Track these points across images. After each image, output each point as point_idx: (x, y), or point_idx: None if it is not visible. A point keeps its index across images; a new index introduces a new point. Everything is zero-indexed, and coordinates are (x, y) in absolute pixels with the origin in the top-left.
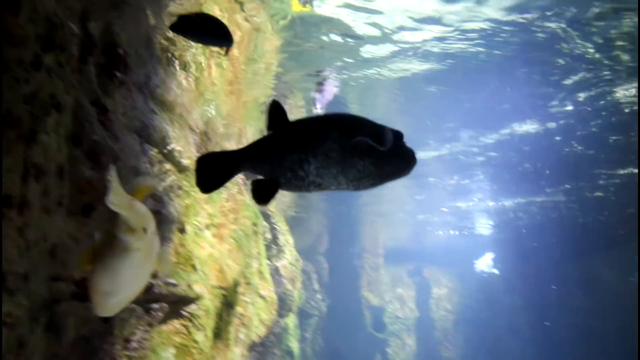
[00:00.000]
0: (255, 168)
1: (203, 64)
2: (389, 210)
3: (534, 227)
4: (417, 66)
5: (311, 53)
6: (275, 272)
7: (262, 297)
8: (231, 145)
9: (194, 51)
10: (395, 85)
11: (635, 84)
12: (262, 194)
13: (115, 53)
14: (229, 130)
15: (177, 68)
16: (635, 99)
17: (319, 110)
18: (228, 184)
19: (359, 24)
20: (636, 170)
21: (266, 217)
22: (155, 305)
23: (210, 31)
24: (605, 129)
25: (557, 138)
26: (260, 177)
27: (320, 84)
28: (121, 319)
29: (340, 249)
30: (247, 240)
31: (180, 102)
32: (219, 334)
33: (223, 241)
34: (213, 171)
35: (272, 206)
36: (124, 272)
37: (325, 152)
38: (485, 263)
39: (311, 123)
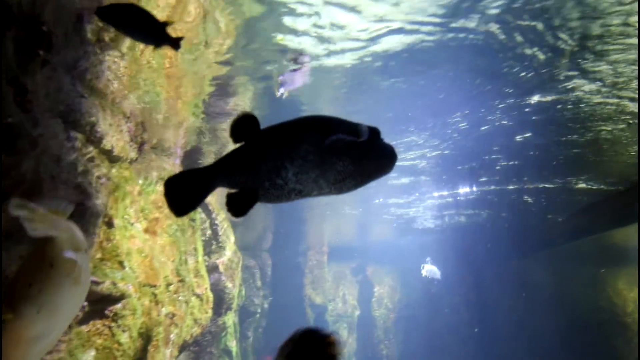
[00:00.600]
0: (230, 182)
1: (138, 50)
2: (335, 207)
3: (475, 227)
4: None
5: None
6: (215, 269)
7: (197, 295)
8: (170, 136)
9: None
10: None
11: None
12: (238, 206)
13: (39, 29)
14: (168, 121)
15: (110, 53)
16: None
17: (280, 94)
18: (165, 177)
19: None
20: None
21: (207, 212)
22: None
23: (143, 27)
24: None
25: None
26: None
27: (294, 69)
28: None
29: (284, 245)
30: (183, 235)
31: (113, 88)
32: (147, 334)
33: (156, 236)
34: (185, 191)
35: (214, 201)
36: (63, 305)
37: (302, 155)
38: (430, 270)
39: (283, 128)
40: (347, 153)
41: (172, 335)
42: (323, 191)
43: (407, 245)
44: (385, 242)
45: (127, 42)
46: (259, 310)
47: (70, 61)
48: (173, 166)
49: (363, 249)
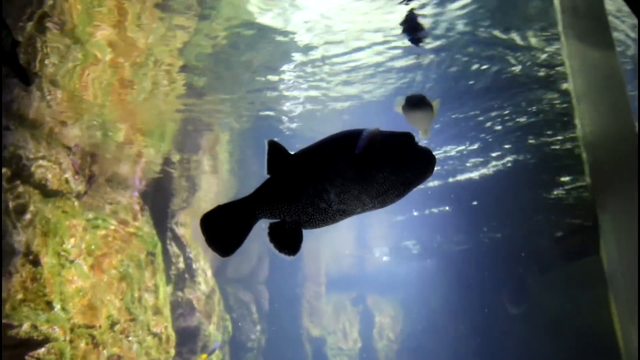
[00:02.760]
0: (272, 213)
1: (76, 79)
2: (331, 237)
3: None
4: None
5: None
6: (188, 305)
7: (154, 334)
8: (127, 168)
9: (68, 65)
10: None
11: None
12: (289, 242)
13: None
14: (125, 152)
15: (42, 83)
16: None
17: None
18: (119, 210)
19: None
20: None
21: (180, 246)
22: None
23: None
24: None
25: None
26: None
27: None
28: None
29: (281, 277)
30: (138, 271)
31: (49, 118)
32: None
33: (103, 273)
34: (226, 228)
35: (188, 235)
36: None
37: (340, 174)
38: None
39: (316, 149)
40: (385, 163)
41: None
42: (366, 207)
43: (407, 272)
44: (385, 270)
45: (64, 71)
46: (255, 346)
47: None
48: (130, 199)
49: (362, 278)
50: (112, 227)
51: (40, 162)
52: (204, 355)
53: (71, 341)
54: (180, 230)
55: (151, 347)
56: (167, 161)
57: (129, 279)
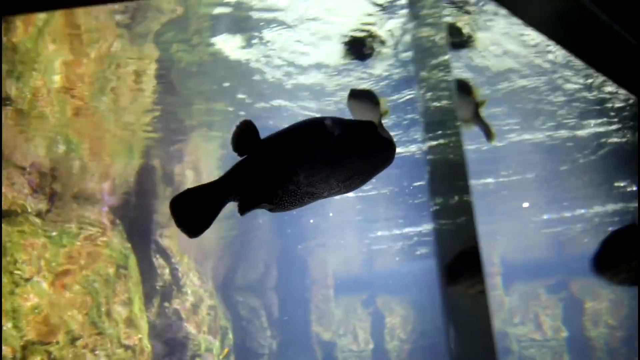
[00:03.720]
0: (242, 195)
1: (28, 95)
2: (334, 237)
3: None
4: None
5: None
6: (175, 315)
7: (126, 346)
8: (93, 185)
9: (17, 84)
10: None
11: None
12: (245, 206)
13: None
14: (88, 169)
15: None
16: None
17: None
18: (88, 226)
19: None
20: None
21: (166, 257)
22: None
23: None
24: None
25: None
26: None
27: None
28: None
29: (289, 282)
30: (105, 286)
31: None
32: None
33: (64, 290)
34: (195, 210)
35: (174, 246)
36: None
37: (310, 157)
38: None
39: (286, 133)
40: (352, 149)
41: None
42: (333, 191)
43: (416, 271)
44: (394, 270)
45: (13, 89)
46: (266, 352)
47: None
48: (99, 214)
49: (371, 279)
50: (78, 243)
51: None
52: (226, 350)
53: (23, 358)
54: (164, 242)
55: (123, 359)
56: (142, 174)
57: (94, 294)
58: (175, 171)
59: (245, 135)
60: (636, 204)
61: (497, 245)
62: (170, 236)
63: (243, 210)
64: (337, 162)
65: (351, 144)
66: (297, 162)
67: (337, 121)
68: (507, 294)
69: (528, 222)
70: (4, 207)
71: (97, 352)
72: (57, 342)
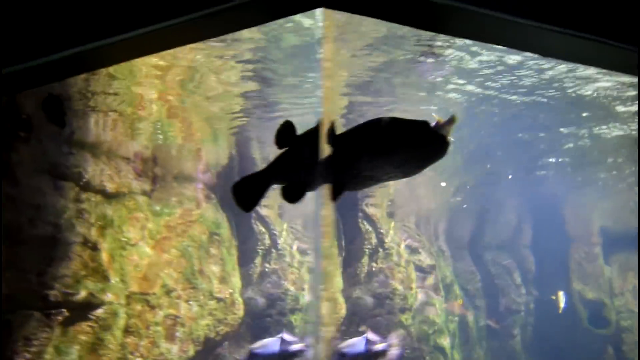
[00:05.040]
0: (284, 180)
1: (125, 106)
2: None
3: None
4: None
5: None
6: (274, 274)
7: (217, 299)
8: (189, 165)
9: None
10: None
11: None
12: (291, 195)
13: (19, 118)
14: (184, 151)
15: (94, 113)
16: None
17: None
18: (184, 200)
19: None
20: None
21: (265, 224)
22: (53, 311)
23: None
24: None
25: None
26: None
27: None
28: (20, 322)
29: (545, 240)
30: (198, 250)
31: (105, 139)
32: (139, 332)
33: (163, 252)
34: (248, 192)
35: (272, 214)
36: None
37: (370, 148)
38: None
39: (352, 131)
40: (403, 141)
41: (177, 333)
42: (390, 175)
43: None
44: None
45: (116, 102)
46: (522, 309)
47: (54, 129)
48: (195, 191)
49: None
50: (176, 215)
51: (99, 173)
52: (460, 301)
53: (128, 304)
54: (263, 211)
55: (215, 309)
56: (232, 155)
57: (188, 256)
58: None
59: (284, 132)
60: None
61: (596, 214)
62: (268, 206)
63: (289, 199)
64: (392, 152)
65: (403, 137)
66: (360, 151)
67: (393, 120)
68: (607, 264)
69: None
70: (111, 190)
71: (190, 302)
72: (154, 294)
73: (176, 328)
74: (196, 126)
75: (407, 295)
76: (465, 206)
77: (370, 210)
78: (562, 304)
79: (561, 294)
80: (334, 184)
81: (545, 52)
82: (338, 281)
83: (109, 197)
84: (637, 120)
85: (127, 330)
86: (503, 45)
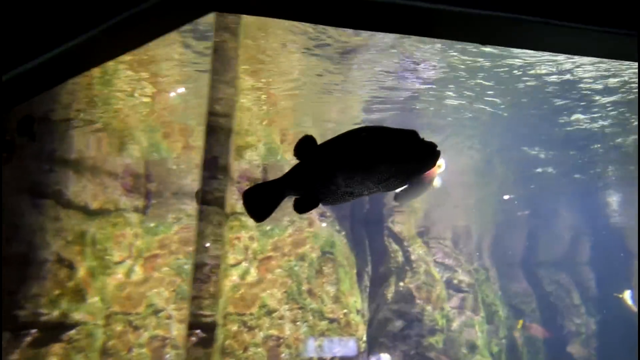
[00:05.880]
0: (296, 192)
1: (113, 121)
2: None
3: None
4: None
5: None
6: (408, 293)
7: (329, 319)
8: (187, 181)
9: (102, 113)
10: None
11: None
12: (302, 207)
13: (3, 139)
14: (181, 167)
15: (75, 131)
16: None
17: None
18: (183, 217)
19: None
20: None
21: (399, 242)
22: (22, 332)
23: None
24: None
25: None
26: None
27: None
28: None
29: (607, 255)
30: (307, 269)
31: (90, 155)
32: (119, 354)
33: (153, 270)
34: (260, 201)
35: (406, 230)
36: None
37: (347, 163)
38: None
39: (331, 142)
40: (386, 157)
41: (284, 355)
42: (372, 190)
43: None
44: None
45: (101, 118)
46: (582, 330)
47: (35, 149)
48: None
49: None
50: (172, 232)
51: (82, 190)
52: (521, 322)
53: (107, 324)
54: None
55: (329, 329)
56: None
57: (183, 274)
58: None
59: (302, 145)
60: None
61: None
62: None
63: (299, 210)
64: (370, 167)
65: (384, 152)
66: (337, 167)
67: (379, 130)
68: None
69: None
70: (94, 207)
71: (297, 322)
72: (137, 313)
73: (282, 350)
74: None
75: (437, 317)
76: (514, 220)
77: (397, 228)
78: (629, 302)
79: (627, 293)
80: (308, 198)
81: (538, 46)
82: (355, 301)
83: (90, 214)
84: None
85: (105, 352)
86: (491, 44)
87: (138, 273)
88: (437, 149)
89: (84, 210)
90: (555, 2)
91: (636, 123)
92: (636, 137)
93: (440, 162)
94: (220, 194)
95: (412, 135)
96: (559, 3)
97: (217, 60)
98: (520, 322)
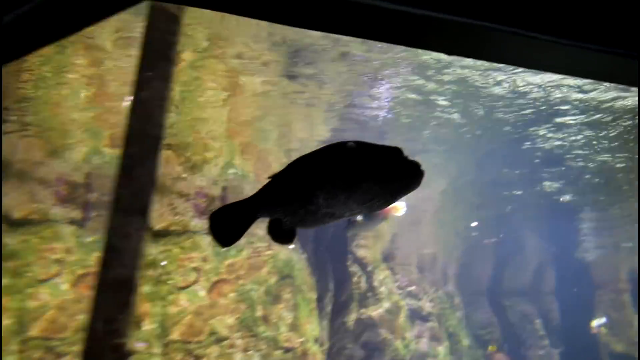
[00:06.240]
0: (270, 213)
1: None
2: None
3: None
4: None
5: None
6: (370, 321)
7: (284, 348)
8: None
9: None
10: None
11: None
12: (279, 235)
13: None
14: None
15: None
16: None
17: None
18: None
19: None
20: None
21: (362, 267)
22: None
23: None
24: None
25: None
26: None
27: None
28: None
29: (570, 285)
30: (263, 294)
31: (19, 159)
32: None
33: (220, 297)
34: (230, 224)
35: (369, 255)
36: None
37: (328, 181)
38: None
39: (309, 157)
40: (370, 174)
41: None
42: (354, 212)
43: None
44: None
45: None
46: None
47: None
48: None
49: None
50: (243, 256)
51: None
52: (490, 347)
53: (165, 354)
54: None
55: (281, 359)
56: None
57: (250, 301)
58: None
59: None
60: None
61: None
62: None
63: (275, 237)
64: (355, 187)
65: (370, 169)
66: (317, 186)
67: (361, 146)
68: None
69: None
70: (17, 216)
71: (249, 351)
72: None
73: None
74: None
75: (399, 346)
76: (481, 247)
77: (361, 253)
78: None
79: (595, 322)
80: (282, 222)
81: (537, 64)
82: (313, 329)
83: (10, 225)
84: None
85: None
86: (484, 60)
87: (203, 298)
88: (422, 168)
89: (5, 220)
90: (550, 16)
91: (604, 147)
92: (603, 163)
93: (402, 204)
94: (143, 204)
95: (396, 152)
96: (554, 17)
97: (145, 55)
98: (491, 347)
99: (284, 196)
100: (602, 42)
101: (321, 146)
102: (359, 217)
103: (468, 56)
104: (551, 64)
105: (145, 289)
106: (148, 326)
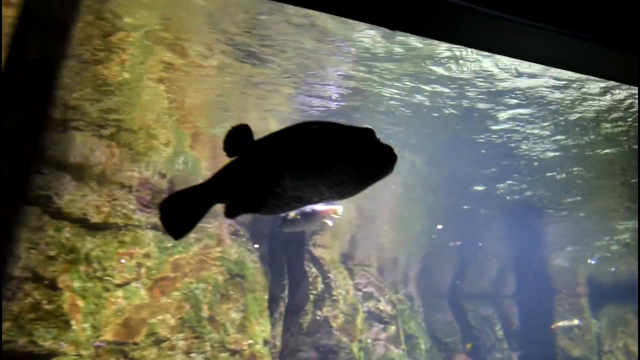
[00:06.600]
0: (228, 198)
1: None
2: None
3: None
4: None
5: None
6: (325, 323)
7: (231, 350)
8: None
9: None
10: None
11: None
12: (236, 209)
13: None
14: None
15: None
16: None
17: None
18: (204, 237)
19: None
20: None
21: (319, 267)
22: None
23: None
24: None
25: None
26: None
27: None
28: None
29: (530, 290)
30: (211, 293)
31: (102, 162)
32: None
33: (162, 295)
34: (180, 212)
35: (327, 256)
36: None
37: (297, 161)
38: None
39: (277, 136)
40: (341, 155)
41: None
42: (323, 196)
43: None
44: None
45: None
46: None
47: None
48: (219, 227)
49: None
50: (191, 253)
51: (81, 200)
52: (469, 345)
53: (97, 356)
54: (317, 252)
55: None
56: None
57: (195, 301)
58: None
59: (237, 137)
60: None
61: (583, 264)
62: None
63: (230, 214)
64: (323, 167)
65: (342, 150)
66: (283, 165)
67: (332, 126)
68: (594, 317)
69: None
70: (95, 220)
71: (192, 354)
72: (136, 343)
73: None
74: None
75: (354, 349)
76: (445, 250)
77: (318, 252)
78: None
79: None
80: (239, 199)
81: (543, 59)
82: (262, 330)
83: (90, 228)
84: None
85: None
86: (489, 51)
87: (146, 297)
88: (395, 152)
89: (82, 223)
90: (553, 10)
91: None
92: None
93: (338, 208)
94: (45, 192)
95: (368, 133)
96: (557, 11)
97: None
98: (469, 345)
99: (246, 178)
100: (601, 35)
101: (287, 125)
102: (295, 213)
103: (467, 45)
104: (547, 55)
105: (75, 284)
106: (77, 326)
